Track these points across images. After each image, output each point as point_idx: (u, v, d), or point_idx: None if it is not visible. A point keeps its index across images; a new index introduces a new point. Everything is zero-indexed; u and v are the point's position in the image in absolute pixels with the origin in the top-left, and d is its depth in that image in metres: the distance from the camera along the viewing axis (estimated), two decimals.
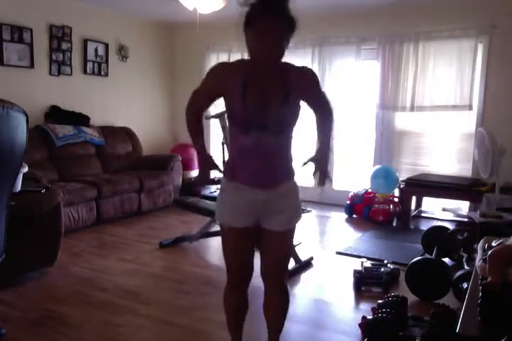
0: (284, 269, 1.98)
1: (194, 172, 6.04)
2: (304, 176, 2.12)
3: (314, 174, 1.93)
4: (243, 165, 1.79)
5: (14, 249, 2.26)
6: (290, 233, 1.90)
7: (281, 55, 1.69)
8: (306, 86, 1.79)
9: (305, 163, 1.92)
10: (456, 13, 4.65)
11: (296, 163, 1.88)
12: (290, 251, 1.98)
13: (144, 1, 4.95)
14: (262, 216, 1.84)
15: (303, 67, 1.81)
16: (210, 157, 1.90)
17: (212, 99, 1.82)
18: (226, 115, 1.82)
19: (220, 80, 1.74)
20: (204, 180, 1.94)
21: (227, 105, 1.77)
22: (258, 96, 1.69)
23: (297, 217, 1.89)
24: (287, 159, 1.84)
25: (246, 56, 1.73)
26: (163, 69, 6.33)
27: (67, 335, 2.35)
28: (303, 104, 1.83)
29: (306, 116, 1.93)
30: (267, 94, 1.70)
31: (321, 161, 1.91)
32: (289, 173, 1.86)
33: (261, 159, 1.76)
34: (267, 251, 1.91)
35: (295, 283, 3.15)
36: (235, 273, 1.94)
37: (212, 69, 1.77)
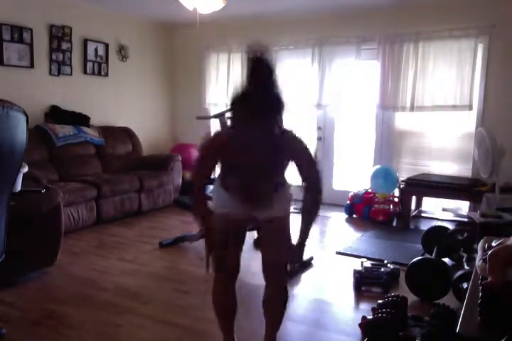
0: (281, 264, 1.98)
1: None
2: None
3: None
4: (232, 193, 1.86)
5: (14, 249, 2.26)
6: (283, 220, 1.96)
7: (272, 131, 1.68)
8: (295, 152, 1.79)
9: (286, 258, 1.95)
10: (456, 13, 4.65)
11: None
12: (285, 241, 1.98)
13: (144, 1, 4.95)
14: (253, 212, 1.91)
15: (291, 131, 1.77)
16: (209, 228, 1.91)
17: (214, 164, 1.87)
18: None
19: (217, 150, 1.80)
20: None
21: (220, 159, 1.84)
22: (251, 160, 1.70)
23: (289, 206, 1.96)
24: (278, 186, 1.88)
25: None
26: (163, 69, 6.33)
27: (67, 335, 2.35)
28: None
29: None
30: (260, 156, 1.70)
31: (300, 254, 1.95)
32: (279, 187, 1.89)
33: (250, 197, 1.82)
34: (263, 243, 1.98)
35: (295, 283, 3.15)
36: (221, 263, 1.95)
37: (206, 143, 1.84)
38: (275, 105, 1.66)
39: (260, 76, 1.66)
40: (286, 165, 1.83)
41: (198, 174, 1.90)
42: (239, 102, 1.67)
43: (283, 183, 1.91)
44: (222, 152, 1.78)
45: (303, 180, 1.83)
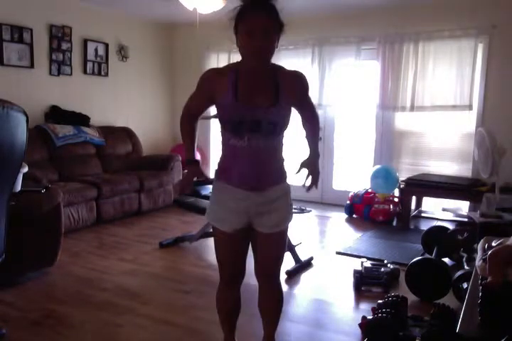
0: (276, 269, 1.97)
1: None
2: (301, 176, 2.12)
3: (307, 178, 1.97)
4: (235, 168, 1.79)
5: (14, 249, 2.26)
6: (282, 234, 1.90)
7: (272, 52, 1.72)
8: (297, 89, 1.80)
9: (298, 170, 1.95)
10: (456, 13, 4.65)
11: (289, 165, 1.90)
12: (283, 251, 1.97)
13: (144, 1, 4.95)
14: (253, 217, 1.83)
15: (295, 70, 1.84)
16: (198, 164, 1.88)
17: (206, 103, 1.83)
18: (218, 119, 1.81)
19: (212, 83, 1.75)
20: (186, 187, 1.97)
21: (218, 108, 1.78)
22: (249, 96, 1.70)
23: (289, 218, 1.90)
24: (279, 161, 1.85)
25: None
26: (163, 69, 6.33)
27: (67, 335, 2.35)
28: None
29: (297, 120, 1.97)
30: (258, 94, 1.71)
31: (314, 165, 1.96)
32: (281, 176, 1.87)
33: (252, 162, 1.76)
34: (259, 252, 1.92)
35: (295, 283, 3.15)
36: (227, 273, 1.95)
37: (204, 74, 1.79)
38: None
39: None
40: (288, 115, 1.78)
41: (188, 106, 1.86)
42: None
43: (284, 178, 1.86)
44: (219, 87, 1.72)
45: (303, 116, 1.95)
